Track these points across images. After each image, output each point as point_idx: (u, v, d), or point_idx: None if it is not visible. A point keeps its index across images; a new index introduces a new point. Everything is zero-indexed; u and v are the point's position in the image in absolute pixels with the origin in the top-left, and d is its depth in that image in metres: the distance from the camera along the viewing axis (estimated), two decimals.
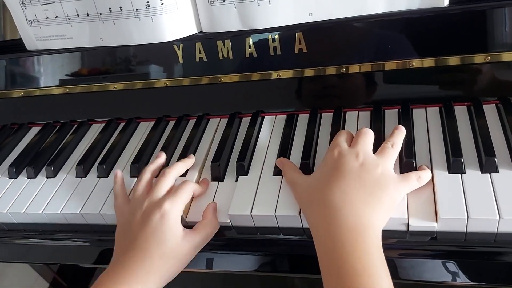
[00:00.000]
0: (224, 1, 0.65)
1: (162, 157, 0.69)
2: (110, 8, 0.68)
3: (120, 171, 0.69)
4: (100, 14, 0.69)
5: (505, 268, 0.55)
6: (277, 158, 0.66)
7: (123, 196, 0.64)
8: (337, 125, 0.70)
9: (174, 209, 0.58)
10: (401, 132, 0.60)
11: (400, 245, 0.55)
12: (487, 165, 0.57)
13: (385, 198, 0.52)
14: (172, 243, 0.56)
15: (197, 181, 0.67)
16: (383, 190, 0.52)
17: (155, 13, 0.67)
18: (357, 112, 0.73)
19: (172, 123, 0.81)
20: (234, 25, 0.67)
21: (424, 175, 0.56)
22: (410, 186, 0.55)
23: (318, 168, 0.59)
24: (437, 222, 0.53)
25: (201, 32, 0.71)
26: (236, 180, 0.65)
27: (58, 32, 0.74)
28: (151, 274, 0.54)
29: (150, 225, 0.57)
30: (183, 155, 0.71)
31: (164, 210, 0.57)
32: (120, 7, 0.67)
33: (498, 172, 0.57)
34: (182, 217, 0.60)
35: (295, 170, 0.61)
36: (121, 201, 0.64)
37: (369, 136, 0.59)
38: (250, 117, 0.77)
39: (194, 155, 0.72)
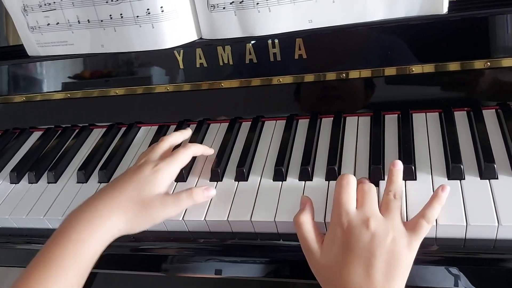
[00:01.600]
0: (224, 8, 0.65)
1: (186, 131, 0.72)
2: (110, 15, 0.68)
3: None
4: (101, 21, 0.69)
5: (505, 274, 0.55)
6: (276, 163, 0.66)
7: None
8: (337, 130, 0.70)
9: (167, 169, 0.60)
10: (398, 172, 0.56)
11: None
12: (487, 171, 0.57)
13: (402, 269, 0.50)
14: (149, 192, 0.57)
15: (196, 186, 0.68)
16: (398, 260, 0.50)
17: (155, 20, 0.67)
18: (357, 117, 0.73)
19: (173, 128, 0.82)
20: (234, 32, 0.67)
21: (431, 213, 0.52)
22: (422, 235, 0.52)
23: (328, 237, 0.53)
24: (436, 229, 0.54)
25: (201, 38, 0.72)
26: (236, 185, 0.66)
27: (59, 38, 0.74)
28: (114, 213, 0.55)
29: (140, 175, 0.58)
30: None
31: (158, 167, 0.59)
32: (121, 14, 0.68)
33: (497, 178, 0.57)
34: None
35: (310, 232, 0.55)
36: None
37: (373, 193, 0.55)
38: (250, 122, 0.77)
39: (195, 159, 0.72)
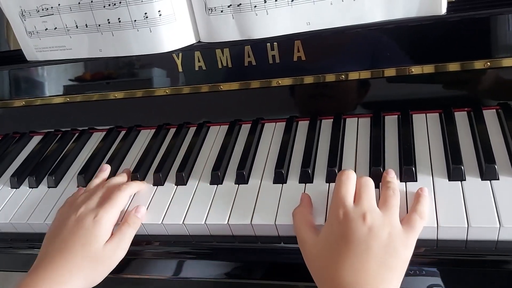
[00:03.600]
0: (222, 11, 0.65)
1: (107, 170, 0.73)
2: (108, 20, 0.68)
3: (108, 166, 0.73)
4: (99, 25, 0.69)
5: (507, 276, 0.55)
6: (276, 165, 0.66)
7: (68, 204, 0.66)
8: (337, 132, 0.70)
9: (107, 217, 0.60)
10: (392, 175, 0.59)
11: None
12: (487, 172, 0.57)
13: (398, 264, 0.49)
14: (97, 245, 0.58)
15: (196, 189, 0.67)
16: (394, 256, 0.49)
17: (153, 24, 0.67)
18: (356, 118, 0.73)
19: (172, 131, 0.82)
20: (232, 35, 0.67)
21: (421, 208, 0.53)
22: (418, 231, 0.52)
23: (324, 229, 0.54)
24: (437, 230, 0.53)
25: (199, 42, 0.72)
26: (236, 188, 0.65)
27: (57, 43, 0.74)
28: (73, 274, 0.56)
29: (82, 230, 0.59)
30: (183, 163, 0.71)
31: (98, 217, 0.60)
32: (119, 19, 0.68)
33: (498, 179, 0.57)
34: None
35: (306, 223, 0.56)
36: (65, 207, 0.66)
37: (371, 187, 0.56)
38: (250, 124, 0.77)
39: (195, 161, 0.73)
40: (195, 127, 0.80)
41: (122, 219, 0.63)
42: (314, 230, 0.55)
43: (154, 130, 0.83)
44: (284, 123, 0.75)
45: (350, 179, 0.56)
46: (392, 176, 0.59)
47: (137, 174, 0.72)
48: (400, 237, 0.51)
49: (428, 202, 0.55)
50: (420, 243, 0.54)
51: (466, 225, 0.52)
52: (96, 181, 0.70)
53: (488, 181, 0.57)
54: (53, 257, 0.57)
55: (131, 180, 0.70)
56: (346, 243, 0.50)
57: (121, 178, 0.70)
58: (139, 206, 0.64)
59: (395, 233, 0.51)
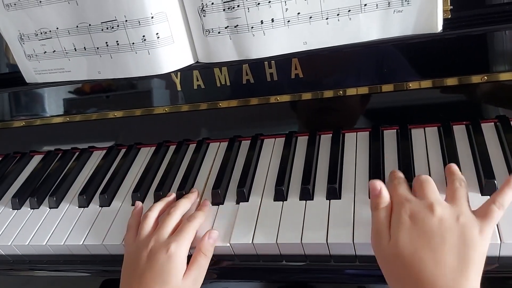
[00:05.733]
0: (219, 32, 0.65)
1: (171, 196, 0.69)
2: (106, 43, 0.69)
3: (141, 204, 0.69)
4: (97, 48, 0.70)
5: None
6: (276, 183, 0.66)
7: (134, 230, 0.64)
8: (336, 147, 0.70)
9: (180, 250, 0.58)
10: (455, 167, 0.56)
11: None
12: (487, 187, 0.57)
13: (476, 257, 0.47)
14: (175, 282, 0.56)
15: (198, 204, 0.68)
16: (471, 247, 0.47)
17: (151, 46, 0.67)
18: (355, 133, 0.73)
19: (172, 148, 0.82)
20: (229, 55, 0.68)
21: (502, 198, 0.49)
22: (494, 222, 0.49)
23: (394, 228, 0.51)
24: None
25: (198, 62, 0.72)
26: (237, 206, 0.66)
27: (56, 65, 0.75)
28: None
29: (156, 266, 0.57)
30: (184, 181, 0.72)
31: (171, 252, 0.57)
32: (117, 41, 0.68)
33: None
34: None
35: (383, 223, 0.52)
36: (131, 235, 0.63)
37: (432, 182, 0.54)
38: (249, 141, 0.77)
39: (195, 179, 0.73)
40: (195, 144, 0.80)
41: (196, 248, 0.60)
42: (389, 231, 0.51)
43: (154, 147, 0.83)
44: (284, 138, 0.76)
45: (402, 179, 0.56)
46: (455, 168, 0.56)
47: (138, 193, 0.72)
48: (475, 227, 0.48)
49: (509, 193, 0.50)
50: None
51: None
52: (160, 204, 0.67)
53: (488, 196, 0.56)
54: None
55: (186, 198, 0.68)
56: (419, 238, 0.48)
57: (188, 201, 0.67)
58: (211, 231, 0.61)
59: (468, 223, 0.48)
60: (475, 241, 0.47)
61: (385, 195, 0.54)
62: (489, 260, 0.52)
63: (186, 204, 0.66)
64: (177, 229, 0.61)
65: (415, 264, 0.47)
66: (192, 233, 0.61)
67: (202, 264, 0.59)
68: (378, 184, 0.55)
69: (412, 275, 0.47)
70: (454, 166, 0.57)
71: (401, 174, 0.57)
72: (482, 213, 0.49)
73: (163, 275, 0.56)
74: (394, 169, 0.59)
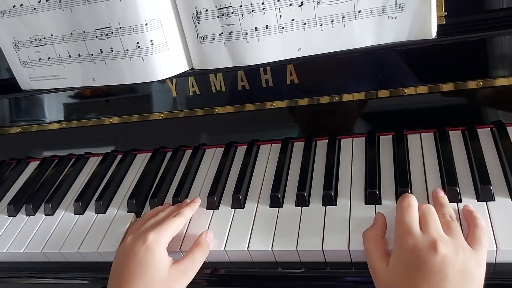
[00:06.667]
0: (213, 39, 0.65)
1: (165, 206, 0.69)
2: (101, 49, 0.69)
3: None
4: (92, 55, 0.70)
5: None
6: (272, 189, 0.66)
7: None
8: (332, 153, 0.70)
9: (159, 240, 0.57)
10: (444, 197, 0.58)
11: None
12: (483, 193, 0.57)
13: (475, 287, 0.48)
14: (157, 273, 0.55)
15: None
16: (470, 279, 0.48)
17: (145, 53, 0.67)
18: (351, 139, 0.73)
19: (168, 154, 0.82)
20: (224, 62, 0.68)
21: (481, 223, 0.53)
22: (486, 247, 0.51)
23: (393, 260, 0.51)
24: None
25: (192, 69, 0.72)
26: (233, 212, 0.65)
27: (51, 72, 0.75)
28: None
29: (135, 258, 0.56)
30: (180, 187, 0.71)
31: (149, 242, 0.57)
32: (111, 48, 0.68)
33: (494, 200, 0.57)
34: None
35: (378, 249, 0.54)
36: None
37: (434, 213, 0.54)
38: (245, 146, 0.77)
39: (191, 185, 0.72)
40: (191, 150, 0.80)
41: (194, 243, 0.60)
42: (386, 257, 0.53)
43: (150, 154, 0.83)
44: (280, 144, 0.75)
45: (412, 206, 0.55)
46: (444, 199, 0.57)
47: (134, 200, 0.71)
48: (473, 258, 0.49)
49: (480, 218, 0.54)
50: None
51: None
52: (151, 212, 0.67)
53: (484, 203, 0.56)
54: None
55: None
56: (421, 274, 0.48)
57: (175, 208, 0.66)
58: (209, 231, 0.62)
59: (468, 256, 0.49)
60: (473, 272, 0.48)
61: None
62: (486, 267, 0.52)
63: (172, 207, 0.66)
64: (159, 223, 0.60)
65: None
66: (174, 228, 0.60)
67: (197, 257, 0.58)
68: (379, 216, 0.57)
69: None
70: (441, 196, 0.57)
71: (412, 198, 0.56)
72: (474, 242, 0.51)
73: (142, 266, 0.55)
74: (437, 190, 0.58)
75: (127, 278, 0.55)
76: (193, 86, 0.74)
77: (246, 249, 0.59)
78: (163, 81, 0.74)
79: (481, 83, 0.64)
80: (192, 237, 0.62)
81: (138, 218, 0.65)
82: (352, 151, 0.71)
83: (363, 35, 0.61)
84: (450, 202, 0.57)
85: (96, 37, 0.68)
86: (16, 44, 0.74)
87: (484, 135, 0.66)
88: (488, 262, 0.52)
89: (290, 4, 0.62)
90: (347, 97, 0.69)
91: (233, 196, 0.66)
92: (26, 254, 0.70)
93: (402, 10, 0.59)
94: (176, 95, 0.76)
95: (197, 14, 0.65)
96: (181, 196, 0.70)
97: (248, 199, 0.67)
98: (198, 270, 0.58)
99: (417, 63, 0.65)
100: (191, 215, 0.65)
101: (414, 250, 0.50)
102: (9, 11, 0.71)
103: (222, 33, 0.65)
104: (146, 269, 0.55)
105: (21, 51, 0.74)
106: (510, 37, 0.61)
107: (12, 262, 0.72)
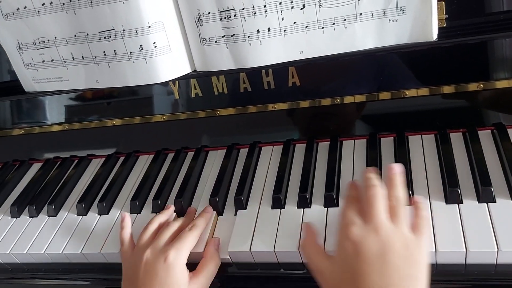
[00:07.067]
0: (216, 41, 0.66)
1: (171, 209, 0.68)
2: (104, 52, 0.69)
3: (128, 215, 0.67)
4: (95, 57, 0.70)
5: None
6: (274, 191, 0.66)
7: (129, 242, 0.63)
8: (334, 155, 0.70)
9: (179, 258, 0.57)
10: (397, 176, 0.56)
11: None
12: (484, 195, 0.57)
13: (420, 272, 0.49)
14: None
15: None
16: (414, 265, 0.49)
17: (148, 55, 0.68)
18: (353, 140, 0.73)
19: (171, 156, 0.82)
20: (226, 64, 0.68)
21: (423, 213, 0.54)
22: (427, 235, 0.52)
23: (338, 252, 0.53)
24: (435, 255, 0.53)
25: (195, 71, 0.72)
26: (235, 213, 0.66)
27: (54, 74, 0.75)
28: None
29: (157, 278, 0.55)
30: (182, 189, 0.72)
31: (169, 261, 0.56)
32: (114, 51, 0.69)
33: (495, 201, 0.57)
34: None
35: (317, 253, 0.55)
36: (126, 247, 0.63)
37: (379, 199, 0.53)
38: (247, 148, 0.77)
39: (194, 187, 0.73)
40: (193, 152, 0.81)
41: (205, 255, 0.60)
42: (327, 257, 0.54)
43: (153, 155, 0.83)
44: (281, 146, 0.76)
45: (355, 199, 0.56)
46: (395, 175, 0.56)
47: (136, 201, 0.72)
48: (414, 244, 0.50)
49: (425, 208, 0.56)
50: None
51: (464, 250, 0.52)
52: (160, 217, 0.65)
53: (485, 204, 0.57)
54: None
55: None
56: (362, 263, 0.49)
57: (186, 219, 0.66)
58: (213, 238, 0.62)
59: (408, 242, 0.50)
60: (417, 258, 0.49)
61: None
62: (486, 268, 0.53)
63: (183, 220, 0.65)
64: (176, 237, 0.60)
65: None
66: (192, 241, 0.60)
67: (211, 269, 0.59)
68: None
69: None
70: (395, 180, 0.56)
71: (351, 205, 0.55)
72: (415, 230, 0.52)
73: (162, 285, 0.55)
74: (392, 166, 0.57)
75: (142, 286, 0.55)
76: (195, 88, 0.74)
77: (248, 250, 0.59)
78: (165, 83, 0.74)
79: (481, 85, 0.64)
80: (198, 241, 0.62)
81: (147, 226, 0.64)
82: (353, 153, 0.71)
83: (365, 37, 0.62)
84: (451, 203, 0.58)
85: (100, 39, 0.68)
86: (20, 46, 0.74)
87: (485, 137, 0.66)
88: (489, 264, 0.53)
89: (292, 7, 0.62)
90: (348, 99, 0.70)
91: (235, 198, 0.67)
92: (29, 255, 0.70)
93: (403, 13, 0.59)
94: (178, 97, 0.76)
95: (199, 17, 0.66)
96: (183, 198, 0.70)
97: (250, 201, 0.67)
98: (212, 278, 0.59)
99: (418, 65, 0.65)
100: (205, 226, 0.64)
101: (357, 239, 0.51)
102: (13, 14, 0.72)
103: (224, 35, 0.66)
104: (165, 285, 0.55)
105: (24, 53, 0.75)
106: (510, 40, 0.61)
107: (15, 263, 0.72)
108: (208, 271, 0.59)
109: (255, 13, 0.63)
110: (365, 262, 0.49)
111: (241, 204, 0.66)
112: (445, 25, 0.62)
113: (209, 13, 0.65)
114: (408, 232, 0.51)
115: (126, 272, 0.60)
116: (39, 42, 0.72)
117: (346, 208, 0.55)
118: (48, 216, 0.76)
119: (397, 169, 0.56)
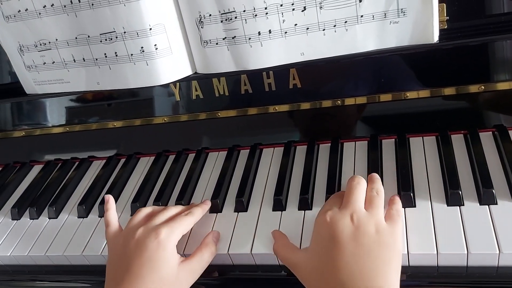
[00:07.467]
0: (217, 43, 0.66)
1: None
2: (105, 54, 0.69)
3: (112, 197, 0.67)
4: (96, 59, 0.70)
5: None
6: (275, 193, 0.66)
7: (115, 224, 0.63)
8: (335, 157, 0.70)
9: (171, 237, 0.57)
10: (376, 177, 0.61)
11: (401, 282, 0.55)
12: (485, 197, 0.57)
13: (392, 257, 0.51)
14: (166, 271, 0.55)
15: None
16: (386, 249, 0.51)
17: (149, 57, 0.68)
18: (354, 142, 0.73)
19: (172, 157, 0.82)
20: (228, 66, 0.68)
21: (397, 206, 0.57)
22: (400, 224, 0.55)
23: (313, 239, 0.55)
24: (437, 257, 0.53)
25: (196, 73, 0.72)
26: (236, 214, 0.66)
27: (55, 76, 0.75)
28: None
29: (146, 253, 0.55)
30: (183, 190, 0.72)
31: (161, 237, 0.56)
32: (115, 53, 0.69)
33: (496, 203, 0.57)
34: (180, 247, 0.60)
35: (289, 250, 0.57)
36: (113, 229, 0.63)
37: (359, 189, 0.57)
38: (248, 150, 0.77)
39: (195, 189, 0.73)
40: (194, 154, 0.81)
41: (202, 243, 0.60)
42: (301, 250, 0.56)
43: (154, 157, 0.83)
44: (282, 148, 0.76)
45: (338, 195, 0.59)
46: (376, 177, 0.61)
47: (137, 203, 0.72)
48: (386, 230, 0.53)
49: (400, 203, 0.59)
50: (421, 269, 0.55)
51: (466, 252, 0.52)
52: (156, 207, 0.66)
53: (487, 206, 0.57)
54: (118, 284, 0.54)
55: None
56: (336, 244, 0.51)
57: (184, 208, 0.65)
58: (215, 231, 0.62)
59: (381, 228, 0.53)
60: (389, 243, 0.52)
61: None
62: (487, 271, 0.53)
63: (184, 207, 0.66)
64: (171, 219, 0.60)
65: (333, 271, 0.50)
66: (185, 225, 0.60)
67: (205, 257, 0.59)
68: None
69: (330, 282, 0.50)
70: (375, 175, 0.61)
71: (374, 177, 0.61)
72: (389, 218, 0.55)
73: (152, 262, 0.55)
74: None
75: (135, 272, 0.54)
76: (196, 90, 0.74)
77: (249, 252, 0.59)
78: (166, 85, 0.74)
79: (482, 87, 0.64)
80: (196, 240, 0.62)
81: (140, 208, 0.64)
82: (354, 154, 0.71)
83: (366, 39, 0.62)
84: (452, 205, 0.58)
85: (101, 41, 0.68)
86: (21, 48, 0.74)
87: (486, 138, 0.66)
88: (491, 266, 0.53)
89: (293, 9, 0.62)
90: (349, 101, 0.70)
91: (236, 200, 0.67)
92: (30, 257, 0.70)
93: (404, 14, 0.59)
94: (179, 99, 0.76)
95: (200, 19, 0.66)
96: (184, 199, 0.70)
97: (251, 203, 0.67)
98: (204, 270, 0.59)
99: (419, 67, 0.65)
100: (201, 216, 0.64)
101: (331, 224, 0.53)
102: (14, 16, 0.72)
103: (225, 37, 0.66)
104: (156, 265, 0.55)
105: (26, 56, 0.75)
106: (511, 42, 0.61)
107: (16, 265, 0.72)
108: (202, 257, 0.58)
109: (256, 15, 0.63)
110: (338, 243, 0.51)
111: (242, 206, 0.66)
112: (446, 27, 0.62)
113: (210, 15, 0.65)
114: (381, 220, 0.54)
115: (113, 251, 0.60)
116: (40, 44, 0.72)
117: (328, 200, 0.59)
118: (49, 218, 0.76)
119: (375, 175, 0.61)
